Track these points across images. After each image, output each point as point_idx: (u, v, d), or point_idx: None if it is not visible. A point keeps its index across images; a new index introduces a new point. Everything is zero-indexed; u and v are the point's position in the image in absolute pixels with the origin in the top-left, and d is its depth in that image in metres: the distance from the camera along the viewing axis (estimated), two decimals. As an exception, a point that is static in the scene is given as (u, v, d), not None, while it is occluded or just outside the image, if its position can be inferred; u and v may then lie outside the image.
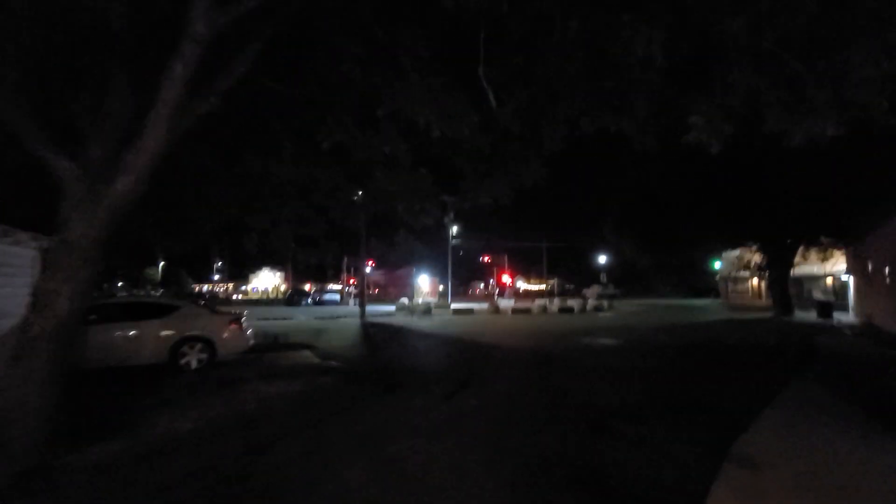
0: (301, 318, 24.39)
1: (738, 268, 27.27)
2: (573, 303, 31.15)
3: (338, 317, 25.15)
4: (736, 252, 26.88)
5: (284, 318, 23.47)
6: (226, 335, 8.93)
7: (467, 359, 10.42)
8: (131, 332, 8.15)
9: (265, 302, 52.38)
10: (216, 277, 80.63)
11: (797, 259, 23.05)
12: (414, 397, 6.54)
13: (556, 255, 56.45)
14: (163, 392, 6.87)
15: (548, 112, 5.77)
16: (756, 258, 25.42)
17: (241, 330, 9.28)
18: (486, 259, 55.27)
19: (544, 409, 5.90)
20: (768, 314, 22.59)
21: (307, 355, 10.56)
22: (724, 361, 9.84)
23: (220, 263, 78.64)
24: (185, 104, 4.63)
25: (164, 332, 8.32)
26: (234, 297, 65.83)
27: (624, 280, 56.50)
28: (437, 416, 5.60)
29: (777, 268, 22.80)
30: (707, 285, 46.41)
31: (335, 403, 6.21)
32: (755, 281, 34.57)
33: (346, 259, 46.05)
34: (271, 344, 12.10)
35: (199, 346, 8.58)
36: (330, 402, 6.35)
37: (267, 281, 74.53)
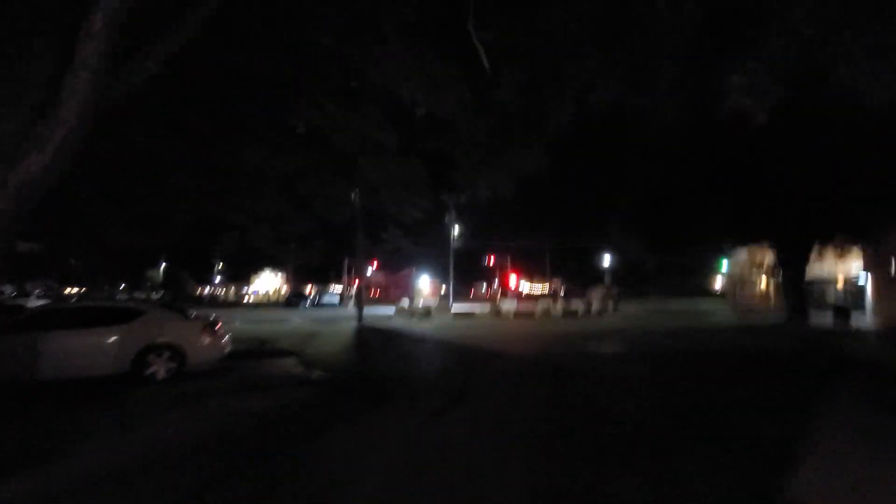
0: (296, 321, 23.57)
1: (747, 268, 26.25)
2: (577, 305, 30.18)
3: (335, 320, 24.33)
4: (745, 252, 25.85)
5: (279, 322, 22.69)
6: (198, 342, 8.13)
7: (465, 368, 9.59)
8: (89, 340, 7.37)
9: (264, 304, 51.64)
10: (217, 280, 79.89)
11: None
12: (401, 416, 5.72)
13: (559, 256, 55.54)
14: (117, 408, 6.07)
15: (551, 83, 4.93)
16: (768, 258, 24.40)
17: (216, 336, 8.47)
18: (489, 260, 54.25)
19: (549, 433, 5.03)
20: (781, 318, 21.55)
21: (291, 363, 9.75)
22: (745, 372, 8.94)
23: (220, 265, 77.79)
24: (112, 68, 3.84)
25: (127, 340, 7.50)
26: (246, 300, 64.00)
27: (628, 281, 55.48)
28: (427, 441, 4.77)
29: (791, 268, 21.78)
30: (714, 286, 45.46)
31: (308, 424, 5.39)
32: (764, 282, 33.52)
33: (346, 260, 45.29)
34: (254, 350, 11.25)
35: (167, 354, 7.77)
36: (303, 422, 5.52)
37: (268, 283, 73.74)
